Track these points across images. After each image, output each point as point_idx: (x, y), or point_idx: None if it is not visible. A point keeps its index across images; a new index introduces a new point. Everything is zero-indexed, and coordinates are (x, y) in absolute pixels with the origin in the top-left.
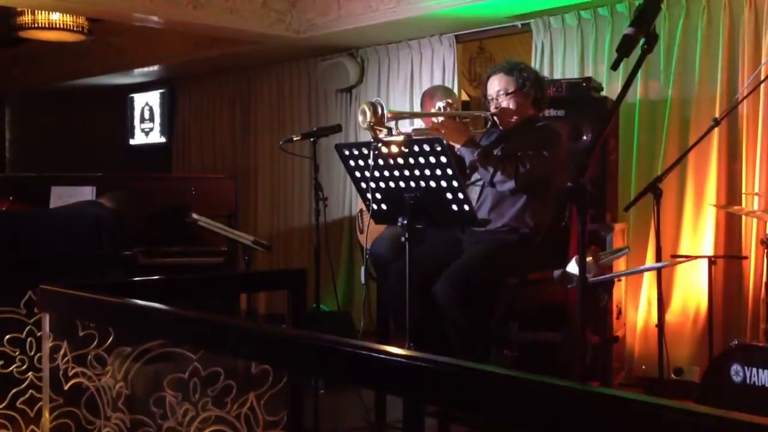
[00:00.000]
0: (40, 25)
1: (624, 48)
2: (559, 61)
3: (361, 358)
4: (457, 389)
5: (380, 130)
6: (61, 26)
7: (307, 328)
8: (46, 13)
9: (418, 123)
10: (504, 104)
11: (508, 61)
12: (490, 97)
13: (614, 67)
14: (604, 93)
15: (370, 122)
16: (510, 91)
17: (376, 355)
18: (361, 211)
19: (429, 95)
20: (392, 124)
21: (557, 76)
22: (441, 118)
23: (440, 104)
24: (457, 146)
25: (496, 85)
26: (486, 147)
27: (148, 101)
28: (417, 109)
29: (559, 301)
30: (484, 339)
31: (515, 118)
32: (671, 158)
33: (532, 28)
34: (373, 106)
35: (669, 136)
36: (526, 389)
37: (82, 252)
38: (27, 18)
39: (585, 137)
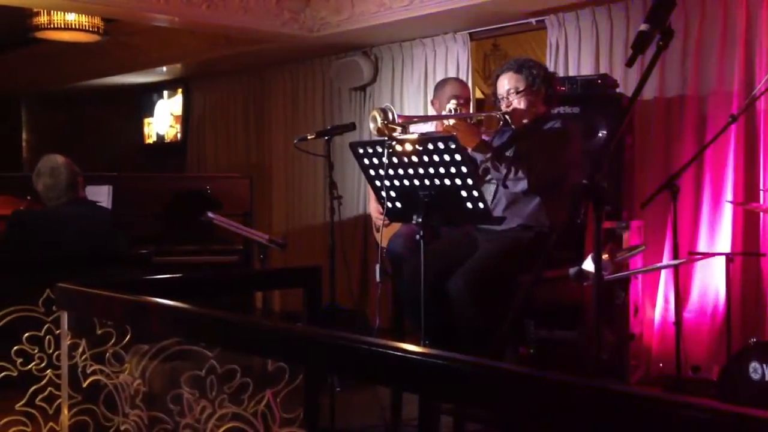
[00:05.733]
0: (55, 26)
1: (639, 44)
2: (574, 58)
3: (376, 355)
4: (473, 386)
5: (393, 129)
6: (77, 27)
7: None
8: (62, 13)
9: (430, 127)
10: (515, 103)
11: (516, 59)
12: (500, 96)
13: (629, 64)
14: (619, 90)
15: (383, 124)
16: (520, 89)
17: (391, 352)
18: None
19: (437, 90)
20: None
21: (572, 73)
22: (453, 121)
23: (450, 106)
24: (469, 149)
25: (506, 84)
26: (498, 148)
27: (162, 101)
28: (431, 107)
29: (575, 298)
30: (498, 336)
31: (527, 116)
32: (688, 155)
33: (546, 24)
34: (384, 112)
35: (686, 133)
36: (541, 387)
37: (98, 251)
38: (43, 19)
39: (600, 134)
